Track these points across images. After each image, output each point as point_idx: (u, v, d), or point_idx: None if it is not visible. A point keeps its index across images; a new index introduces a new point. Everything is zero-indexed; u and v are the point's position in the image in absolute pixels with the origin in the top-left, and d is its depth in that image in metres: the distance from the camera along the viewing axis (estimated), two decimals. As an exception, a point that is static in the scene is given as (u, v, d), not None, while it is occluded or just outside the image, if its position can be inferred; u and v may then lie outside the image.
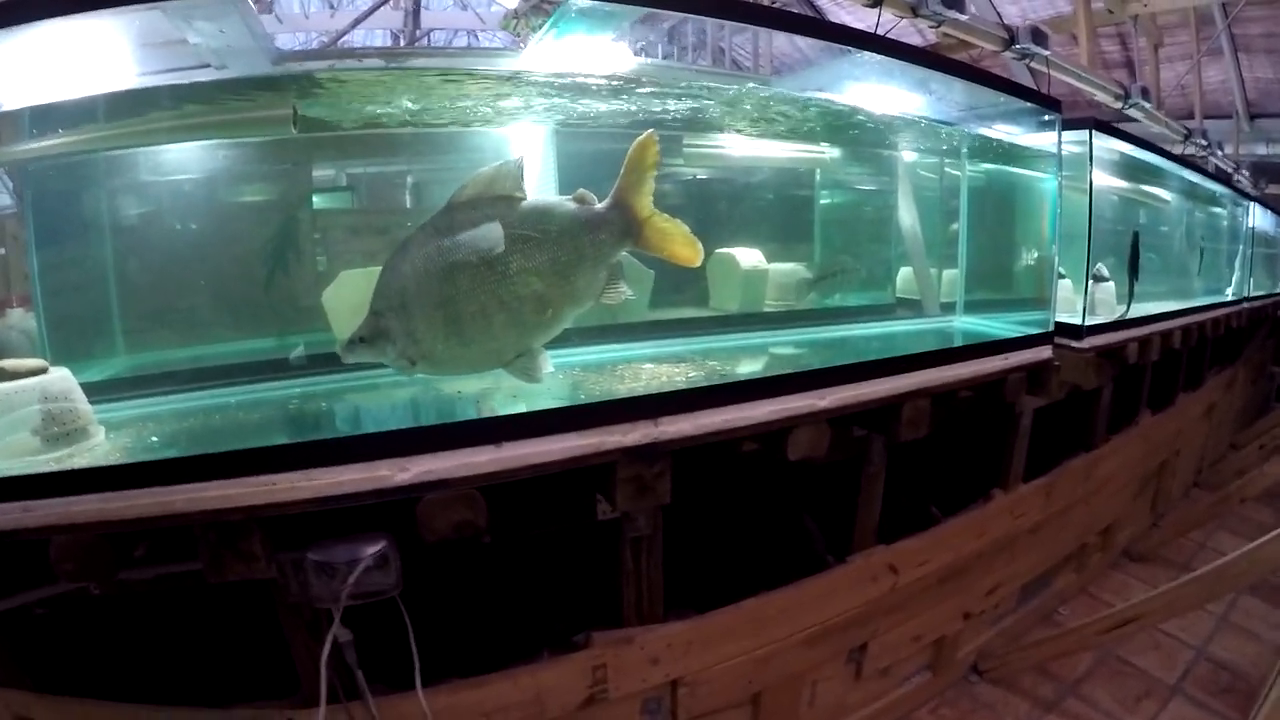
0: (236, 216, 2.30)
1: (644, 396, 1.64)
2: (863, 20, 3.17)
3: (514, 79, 1.87)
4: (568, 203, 1.64)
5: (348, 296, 2.02)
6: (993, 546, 2.63)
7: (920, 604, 2.41)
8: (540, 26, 1.62)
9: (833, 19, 7.34)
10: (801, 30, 1.93)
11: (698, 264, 1.69)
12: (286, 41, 9.51)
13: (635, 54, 2.03)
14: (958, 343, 2.70)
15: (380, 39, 9.73)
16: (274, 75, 1.69)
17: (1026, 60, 3.67)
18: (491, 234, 1.52)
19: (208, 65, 1.56)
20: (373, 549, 1.46)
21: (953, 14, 3.10)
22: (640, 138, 1.62)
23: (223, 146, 2.14)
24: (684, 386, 1.76)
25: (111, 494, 1.33)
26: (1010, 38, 3.56)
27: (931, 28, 3.14)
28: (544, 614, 1.90)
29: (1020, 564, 2.89)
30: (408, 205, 2.52)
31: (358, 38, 9.24)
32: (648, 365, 2.10)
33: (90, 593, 1.53)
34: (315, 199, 2.36)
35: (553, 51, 1.70)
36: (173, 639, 1.68)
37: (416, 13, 8.35)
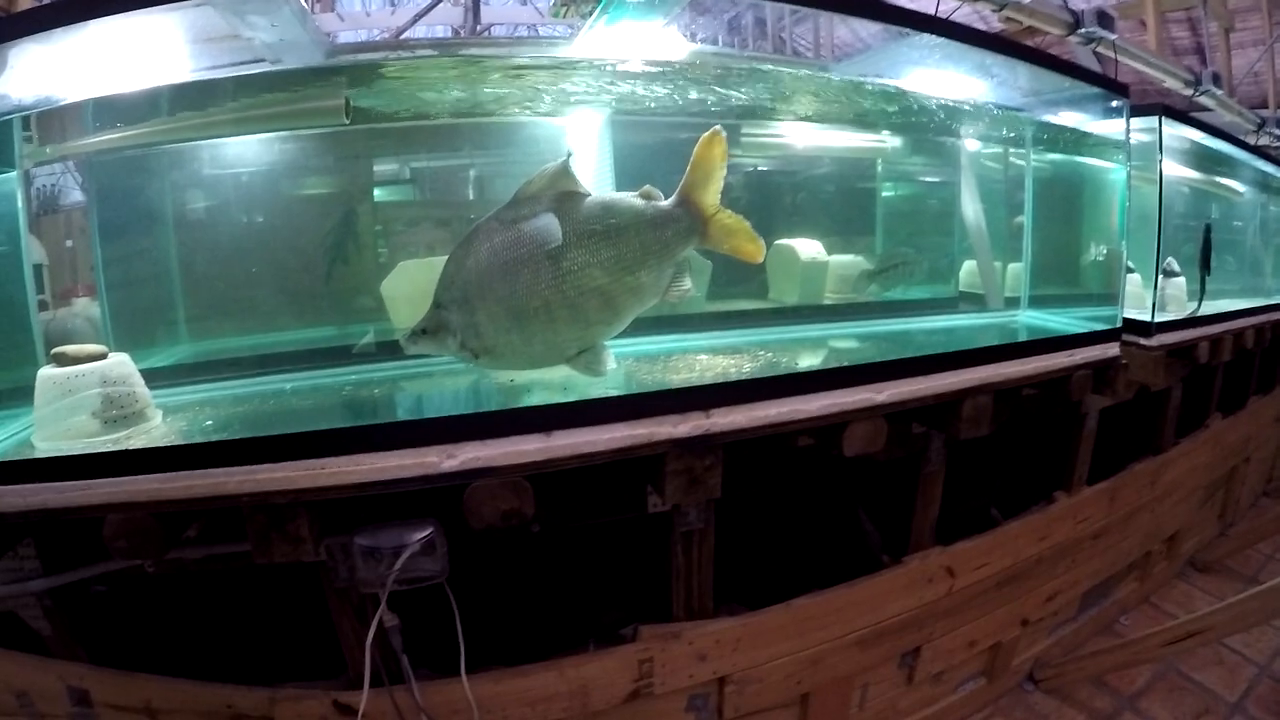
0: (296, 208, 2.33)
1: (696, 388, 1.61)
2: (925, 6, 3.06)
3: (567, 68, 1.85)
4: (634, 198, 1.62)
5: (406, 286, 2.05)
6: (1054, 551, 2.52)
7: (976, 608, 2.32)
8: (590, 14, 1.59)
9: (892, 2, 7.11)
10: (852, 11, 1.86)
11: (760, 261, 1.66)
12: (349, 39, 9.60)
13: (695, 43, 2.00)
14: (1022, 338, 2.59)
15: (441, 34, 9.79)
16: (327, 67, 1.70)
17: (1093, 46, 3.50)
18: (556, 229, 1.51)
19: (262, 60, 1.57)
20: (420, 535, 1.47)
21: (1014, -3, 2.97)
22: (706, 134, 1.59)
23: (283, 139, 2.18)
24: (737, 378, 1.72)
25: (164, 475, 1.36)
26: (1075, 21, 3.40)
27: (994, 11, 3.02)
28: (592, 604, 1.88)
29: (1081, 570, 2.77)
30: (467, 197, 2.52)
31: (419, 34, 9.32)
32: (703, 356, 2.06)
33: (145, 570, 1.56)
34: (375, 191, 2.38)
35: (604, 39, 1.67)
36: (226, 617, 1.71)
37: (476, 8, 8.38)
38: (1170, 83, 4.51)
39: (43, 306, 2.15)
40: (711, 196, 1.62)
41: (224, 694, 1.55)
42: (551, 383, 1.75)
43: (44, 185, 2.20)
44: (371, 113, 2.01)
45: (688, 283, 1.66)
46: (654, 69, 1.93)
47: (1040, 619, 2.65)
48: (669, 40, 1.73)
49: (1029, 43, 3.73)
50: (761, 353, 2.13)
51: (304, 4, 1.46)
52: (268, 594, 1.70)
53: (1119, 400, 2.49)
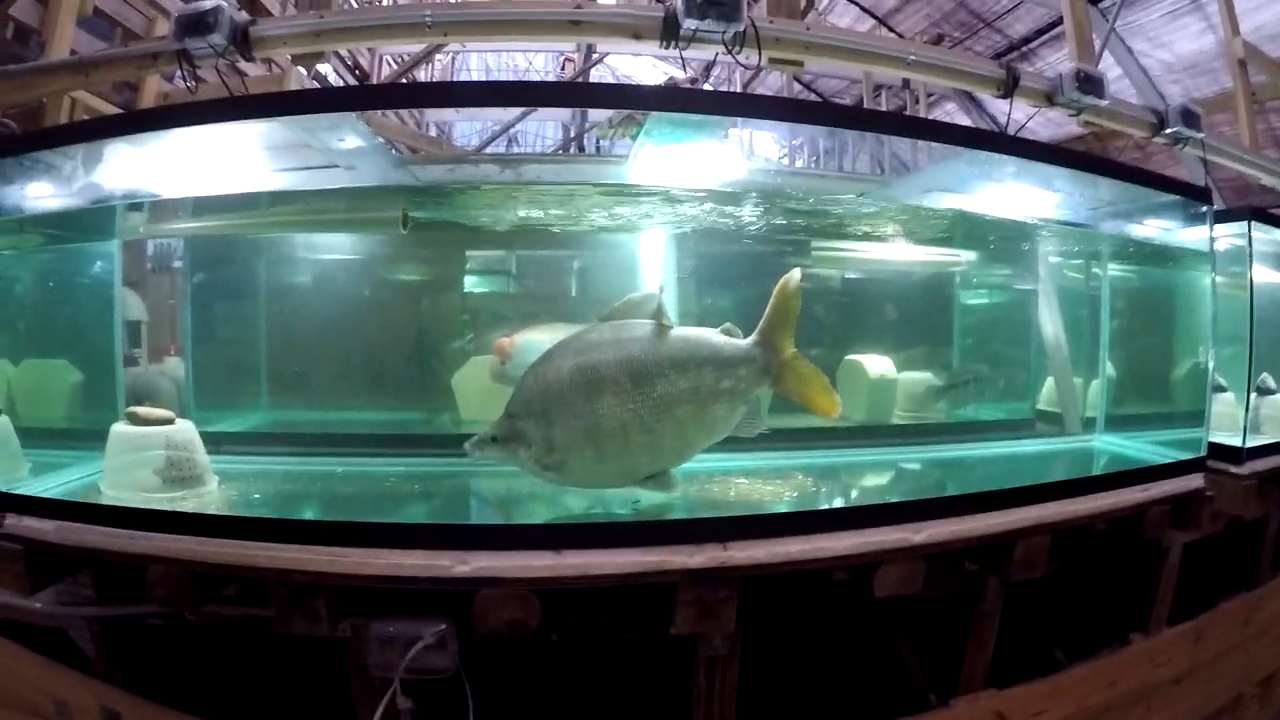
0: (379, 294, 2.47)
1: (714, 519, 1.60)
2: (1035, 123, 3.00)
3: (623, 190, 1.92)
4: (715, 335, 1.67)
5: (477, 380, 2.13)
6: (1126, 698, 2.27)
7: (1032, 757, 2.11)
8: (636, 135, 1.65)
9: (992, 109, 7.03)
10: (916, 134, 1.86)
11: (835, 415, 1.69)
12: (463, 130, 9.97)
13: (793, 147, 2.08)
14: (1093, 467, 2.42)
15: (552, 129, 10.13)
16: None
17: (1179, 146, 3.32)
18: (640, 356, 1.57)
19: (336, 165, 1.69)
20: (432, 630, 1.47)
21: (1091, 100, 2.86)
22: (785, 277, 1.65)
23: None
24: (762, 510, 1.69)
25: (204, 539, 1.50)
26: (1160, 122, 3.24)
27: (1071, 115, 2.93)
28: (608, 715, 1.82)
29: (1159, 717, 2.49)
30: (541, 298, 2.62)
31: (530, 128, 9.71)
32: (742, 480, 2.02)
33: (185, 618, 1.62)
34: (454, 287, 2.49)
35: (655, 160, 1.72)
36: (256, 668, 1.75)
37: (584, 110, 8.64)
38: (1268, 180, 4.23)
39: (134, 361, 2.33)
40: (787, 340, 1.66)
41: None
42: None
43: (158, 246, 2.41)
44: (436, 224, 2.12)
45: (760, 422, 1.69)
46: (717, 188, 1.95)
47: (1108, 771, 2.38)
48: (721, 160, 1.76)
49: (1111, 146, 3.60)
50: (807, 480, 2.08)
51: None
52: (298, 653, 1.72)
53: (1205, 534, 2.27)
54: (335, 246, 2.34)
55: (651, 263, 2.18)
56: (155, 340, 2.39)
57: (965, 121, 7.28)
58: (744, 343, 1.65)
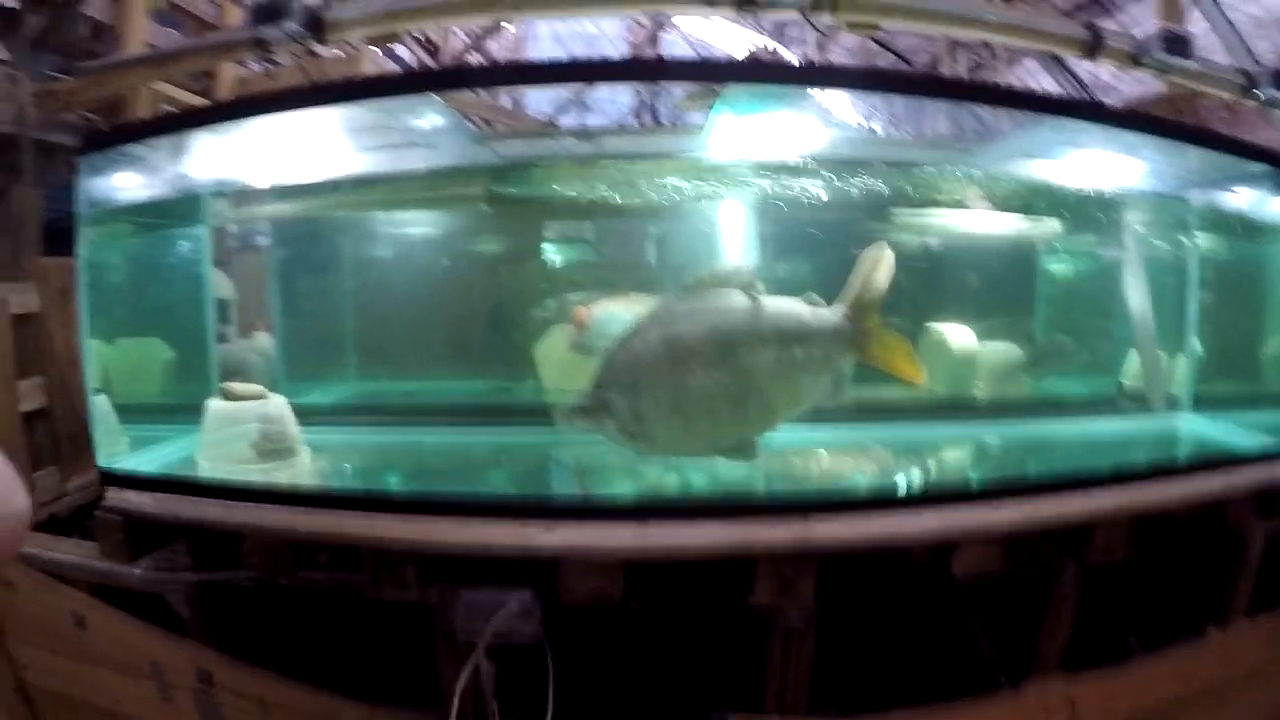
0: (457, 268, 2.52)
1: (797, 494, 1.62)
2: (1120, 79, 2.86)
3: (706, 161, 1.91)
4: (800, 305, 1.68)
5: (559, 350, 2.15)
6: (1200, 693, 2.21)
7: (1101, 746, 2.08)
8: (715, 107, 1.65)
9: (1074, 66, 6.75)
10: (971, 98, 1.82)
11: (920, 383, 1.71)
12: (536, 99, 10.06)
13: (870, 108, 2.06)
14: (1180, 448, 2.34)
15: (624, 95, 10.10)
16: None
17: (1271, 108, 3.12)
18: (727, 326, 1.59)
19: (416, 144, 1.74)
20: (516, 600, 1.52)
21: (1178, 61, 2.70)
22: (871, 249, 1.65)
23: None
24: (843, 487, 1.69)
25: (299, 510, 1.57)
26: (1250, 82, 3.04)
27: (1155, 76, 2.77)
28: (683, 683, 1.86)
29: (1229, 713, 2.41)
30: (624, 267, 2.63)
31: (603, 94, 9.70)
32: (822, 453, 2.03)
33: (279, 584, 1.71)
34: (533, 255, 2.51)
35: (735, 130, 1.71)
36: (346, 630, 1.80)
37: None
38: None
39: (224, 338, 2.44)
40: (873, 311, 1.66)
41: (331, 703, 1.67)
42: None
43: (244, 226, 2.49)
44: (520, 198, 2.14)
45: (845, 391, 1.70)
46: (789, 157, 1.94)
47: (1179, 765, 2.32)
48: (801, 129, 1.74)
49: (1200, 104, 3.39)
50: (889, 454, 2.07)
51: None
52: (388, 617, 1.80)
53: (1291, 524, 2.17)
54: (416, 220, 2.39)
55: (730, 232, 2.17)
56: (244, 317, 2.49)
57: (1046, 80, 6.92)
58: (829, 313, 1.66)
